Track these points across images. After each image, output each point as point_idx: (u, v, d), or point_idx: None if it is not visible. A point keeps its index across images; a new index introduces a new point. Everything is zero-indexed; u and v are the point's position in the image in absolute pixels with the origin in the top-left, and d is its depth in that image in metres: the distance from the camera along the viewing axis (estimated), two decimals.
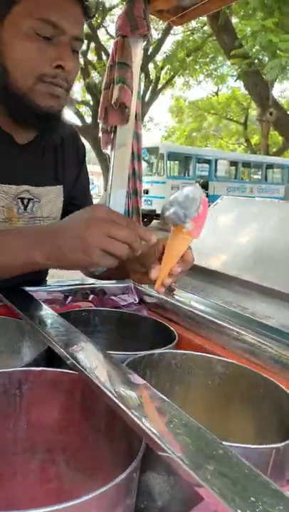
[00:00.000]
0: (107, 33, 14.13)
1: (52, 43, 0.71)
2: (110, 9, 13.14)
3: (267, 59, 7.75)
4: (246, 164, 13.80)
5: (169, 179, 11.17)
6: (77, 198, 0.96)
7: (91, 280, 0.97)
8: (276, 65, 6.72)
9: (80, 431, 0.47)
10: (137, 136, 1.27)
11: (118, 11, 13.07)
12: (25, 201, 0.84)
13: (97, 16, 12.86)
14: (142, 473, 0.38)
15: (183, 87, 17.40)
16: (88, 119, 14.37)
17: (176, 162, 12.54)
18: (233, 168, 13.52)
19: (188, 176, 12.30)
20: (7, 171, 0.81)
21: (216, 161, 12.87)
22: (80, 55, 0.79)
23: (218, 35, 8.69)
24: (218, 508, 0.28)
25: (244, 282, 0.87)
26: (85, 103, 14.86)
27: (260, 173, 13.96)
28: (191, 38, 12.93)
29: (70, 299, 0.84)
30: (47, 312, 0.65)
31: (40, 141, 0.86)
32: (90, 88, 13.39)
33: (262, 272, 0.86)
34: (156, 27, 11.26)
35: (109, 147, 1.26)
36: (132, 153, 1.26)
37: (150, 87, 13.76)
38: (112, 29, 15.24)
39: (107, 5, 12.88)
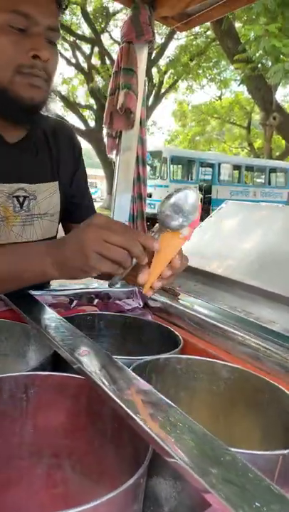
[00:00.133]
0: (111, 37, 14.23)
1: (26, 35, 0.72)
2: (114, 14, 13.23)
3: (270, 63, 7.77)
4: (249, 168, 13.80)
5: (172, 183, 11.19)
6: (75, 196, 0.97)
7: (95, 284, 0.98)
8: (279, 70, 6.73)
9: (86, 436, 0.47)
10: (142, 142, 1.28)
11: (122, 16, 13.17)
12: (21, 199, 0.85)
13: (100, 20, 12.96)
14: (148, 478, 0.38)
15: (186, 91, 17.49)
16: (92, 123, 14.43)
17: (179, 166, 12.57)
18: (236, 172, 13.52)
19: (192, 179, 12.31)
20: None
21: (219, 164, 12.88)
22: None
23: (222, 39, 8.73)
24: None
25: (249, 287, 0.87)
26: (88, 107, 14.94)
27: (263, 176, 13.96)
28: (194, 42, 13.00)
29: (75, 303, 0.84)
30: (52, 316, 0.65)
31: (31, 139, 0.87)
32: (94, 92, 13.46)
33: (267, 277, 0.86)
34: (159, 32, 11.32)
35: (115, 152, 1.26)
36: (137, 157, 1.27)
37: (153, 92, 13.82)
38: (115, 34, 15.36)
39: (111, 10, 12.98)
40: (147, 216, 1.50)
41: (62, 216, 0.95)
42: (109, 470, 0.45)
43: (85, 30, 13.76)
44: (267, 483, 0.31)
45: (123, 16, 13.15)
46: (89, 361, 0.49)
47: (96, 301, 0.88)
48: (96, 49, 13.40)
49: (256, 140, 20.43)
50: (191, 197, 0.55)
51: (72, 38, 13.26)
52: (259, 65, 8.66)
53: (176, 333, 0.71)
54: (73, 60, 13.89)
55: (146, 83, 1.39)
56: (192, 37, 12.71)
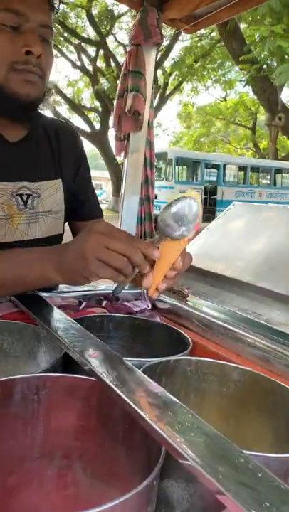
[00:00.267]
0: (116, 40, 14.28)
1: (19, 32, 0.74)
2: (119, 17, 13.28)
3: (275, 64, 7.75)
4: (255, 169, 13.76)
5: (178, 184, 11.19)
6: (79, 194, 0.98)
7: (103, 286, 0.98)
8: (285, 70, 6.71)
9: (97, 437, 0.47)
10: (150, 144, 1.29)
11: (126, 19, 13.18)
12: (25, 197, 0.85)
13: (105, 23, 13.02)
14: (160, 480, 0.38)
15: (191, 92, 17.49)
16: (97, 126, 14.48)
17: (185, 167, 12.56)
18: (241, 173, 13.49)
19: (197, 181, 12.30)
20: (0, 169, 0.83)
21: (224, 166, 12.86)
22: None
23: (227, 40, 8.72)
24: None
25: (258, 289, 0.87)
26: (93, 110, 14.99)
27: (268, 177, 13.91)
28: (199, 44, 12.99)
29: (83, 304, 0.85)
30: (62, 318, 0.66)
31: (32, 138, 0.88)
32: (99, 95, 13.51)
33: (276, 279, 0.86)
34: (164, 33, 11.32)
35: (123, 154, 1.27)
36: (145, 160, 1.28)
37: (158, 93, 13.82)
38: (120, 36, 15.43)
39: (116, 13, 13.03)
40: (155, 218, 1.50)
41: (68, 215, 0.96)
42: (120, 472, 0.45)
43: (90, 32, 13.86)
44: (281, 485, 0.31)
45: (128, 18, 13.22)
46: (100, 363, 0.49)
47: (104, 302, 0.88)
48: (101, 51, 13.45)
49: (261, 141, 20.36)
50: (191, 207, 0.54)
51: (77, 41, 13.34)
52: (264, 66, 8.64)
53: (185, 334, 0.70)
54: (78, 63, 13.96)
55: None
56: (197, 38, 12.71)
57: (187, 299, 0.90)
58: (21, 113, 0.80)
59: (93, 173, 1.05)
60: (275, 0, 5.74)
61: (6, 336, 0.66)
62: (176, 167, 11.80)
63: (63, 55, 13.45)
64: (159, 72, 13.37)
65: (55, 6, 0.81)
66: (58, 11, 0.82)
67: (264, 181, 14.08)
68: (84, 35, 13.71)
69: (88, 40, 13.60)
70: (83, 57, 13.89)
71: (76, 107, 14.49)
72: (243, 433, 0.55)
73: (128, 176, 1.26)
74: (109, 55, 13.17)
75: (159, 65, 12.38)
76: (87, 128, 14.10)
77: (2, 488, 0.45)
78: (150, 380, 0.46)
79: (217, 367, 0.59)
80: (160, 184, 10.70)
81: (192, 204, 0.54)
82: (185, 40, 13.11)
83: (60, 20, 11.49)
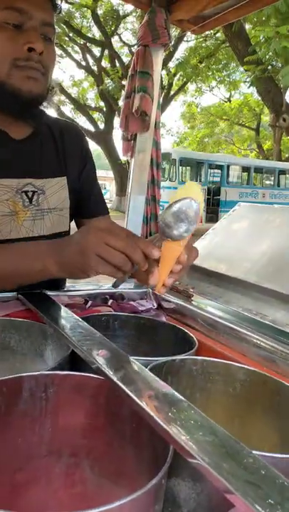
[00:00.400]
0: (121, 40, 14.29)
1: (22, 30, 0.75)
2: (124, 17, 13.29)
3: (280, 65, 7.72)
4: (258, 170, 13.73)
5: (181, 185, 11.13)
6: (84, 191, 0.98)
7: (109, 285, 0.98)
8: None
9: (104, 436, 0.47)
10: (156, 144, 1.29)
11: (132, 19, 13.14)
12: (30, 194, 0.86)
13: (111, 23, 13.03)
14: (167, 479, 0.38)
15: (195, 93, 17.48)
16: (101, 125, 14.49)
17: (188, 168, 12.55)
18: (245, 173, 13.46)
19: (201, 181, 12.29)
20: (5, 165, 0.84)
21: (228, 166, 12.84)
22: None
23: (232, 41, 8.70)
24: None
25: (263, 289, 0.87)
26: (98, 109, 15.01)
27: (272, 178, 13.88)
28: (204, 44, 12.97)
29: (90, 303, 0.85)
30: (70, 316, 0.66)
31: (37, 136, 0.89)
32: (104, 95, 13.52)
33: (282, 280, 0.86)
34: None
35: (129, 154, 1.27)
36: (151, 160, 1.28)
37: (163, 94, 13.80)
38: (125, 36, 15.43)
39: (121, 13, 13.04)
40: None
41: (73, 212, 0.96)
42: (127, 470, 0.45)
43: (96, 33, 13.87)
44: None
45: (133, 18, 13.23)
46: (107, 361, 0.49)
47: (110, 301, 0.89)
48: (106, 52, 13.47)
49: (265, 142, 20.31)
50: (192, 207, 0.54)
51: (82, 41, 13.36)
52: (269, 67, 8.61)
53: (191, 334, 0.71)
54: (83, 63, 13.98)
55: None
56: (202, 39, 12.69)
57: (192, 298, 0.90)
58: (24, 110, 0.81)
59: (97, 172, 1.05)
60: (281, 1, 5.72)
61: (13, 333, 0.66)
62: (180, 167, 11.79)
63: (68, 55, 13.48)
64: (163, 72, 13.30)
65: (57, 5, 0.82)
66: (60, 10, 0.83)
67: (268, 182, 14.05)
68: (89, 35, 13.72)
69: (93, 40, 13.62)
70: (88, 57, 13.92)
71: (81, 106, 14.51)
72: (248, 433, 0.55)
73: (134, 175, 1.26)
74: (114, 55, 13.18)
75: (163, 65, 12.35)
76: (91, 128, 14.12)
77: (10, 485, 0.45)
78: (158, 379, 0.46)
79: (223, 367, 0.59)
80: (164, 184, 10.63)
81: (192, 205, 0.54)
82: (190, 40, 13.10)
83: (66, 20, 11.52)
